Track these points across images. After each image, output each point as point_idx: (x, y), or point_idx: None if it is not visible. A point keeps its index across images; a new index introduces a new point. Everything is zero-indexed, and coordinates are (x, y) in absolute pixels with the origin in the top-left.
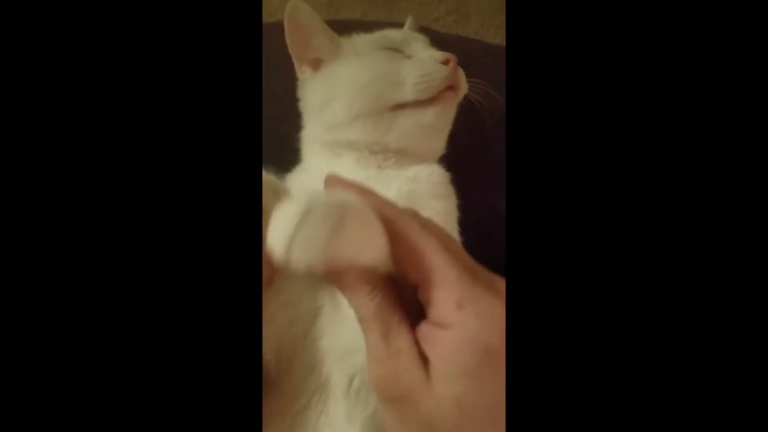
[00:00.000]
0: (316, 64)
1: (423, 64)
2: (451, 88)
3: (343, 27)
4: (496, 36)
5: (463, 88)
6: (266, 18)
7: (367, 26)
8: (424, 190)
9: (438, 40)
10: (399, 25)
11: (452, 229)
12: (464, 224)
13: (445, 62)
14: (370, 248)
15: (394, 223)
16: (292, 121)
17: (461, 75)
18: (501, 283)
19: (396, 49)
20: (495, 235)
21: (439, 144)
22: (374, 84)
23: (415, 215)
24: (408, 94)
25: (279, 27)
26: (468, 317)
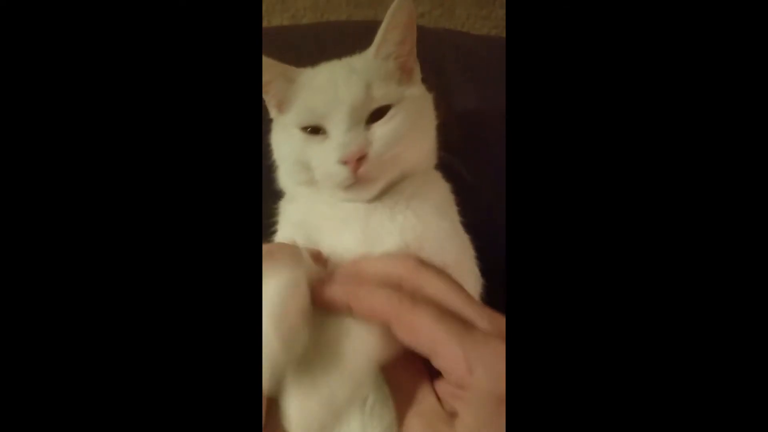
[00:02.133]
0: (280, 107)
1: (325, 162)
2: (358, 182)
3: (328, 30)
4: (483, 27)
5: (378, 176)
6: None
7: (353, 27)
8: (429, 206)
9: (425, 36)
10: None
11: (461, 240)
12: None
13: (345, 161)
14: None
15: (384, 313)
16: None
17: (371, 166)
18: (499, 321)
19: (315, 128)
20: (496, 238)
21: (413, 160)
22: (292, 168)
23: (409, 269)
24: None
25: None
26: (480, 378)
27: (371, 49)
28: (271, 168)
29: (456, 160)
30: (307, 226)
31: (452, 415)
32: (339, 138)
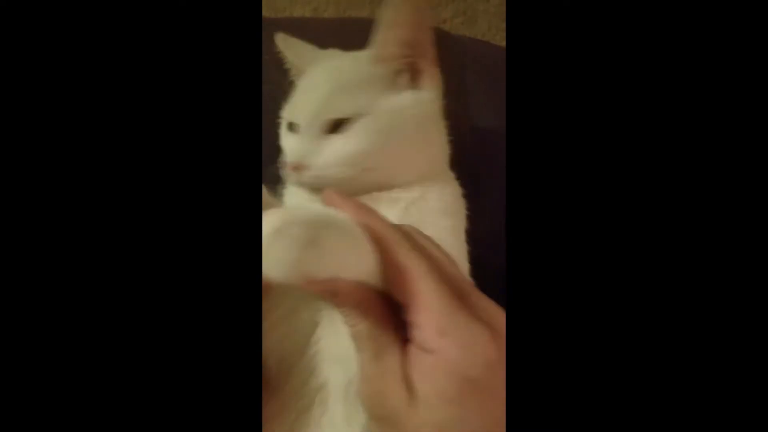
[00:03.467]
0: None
1: (283, 158)
2: (301, 185)
3: (350, 25)
4: (503, 39)
5: (315, 185)
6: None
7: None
8: (432, 207)
9: (449, 43)
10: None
11: (459, 244)
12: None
13: (293, 169)
14: (353, 264)
15: (383, 241)
16: None
17: (311, 177)
18: (496, 314)
19: (293, 125)
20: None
21: (397, 172)
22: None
23: (410, 233)
24: None
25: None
26: (449, 345)
27: (367, 53)
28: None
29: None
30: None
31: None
32: (291, 142)
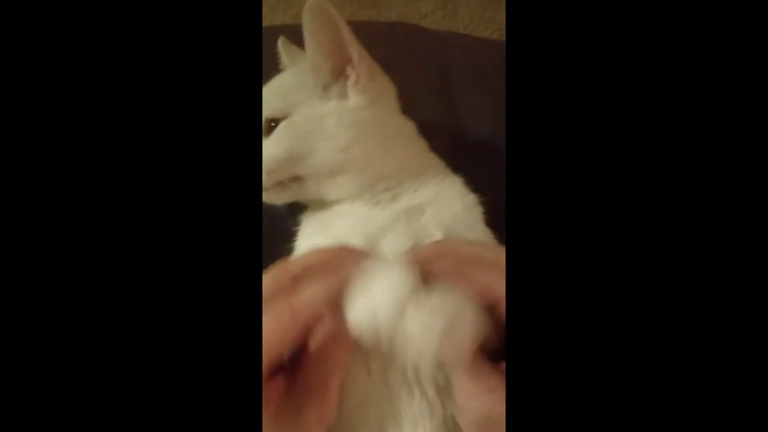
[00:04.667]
0: None
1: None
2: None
3: None
4: (485, 29)
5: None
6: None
7: (354, 28)
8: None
9: (429, 40)
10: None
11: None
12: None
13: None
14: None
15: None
16: None
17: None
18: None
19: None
20: None
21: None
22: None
23: (453, 250)
24: None
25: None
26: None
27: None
28: None
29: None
30: (323, 233)
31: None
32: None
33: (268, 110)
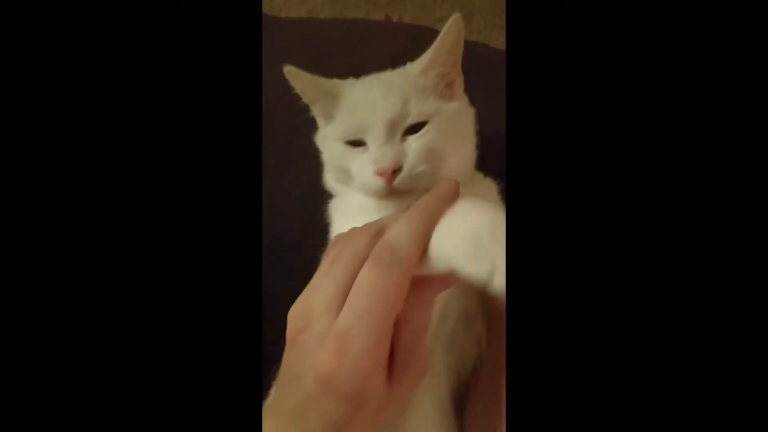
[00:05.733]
0: (326, 118)
1: (362, 172)
2: (393, 192)
3: (346, 26)
4: (499, 36)
5: (411, 187)
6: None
7: (369, 26)
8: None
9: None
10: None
11: None
12: None
13: (380, 174)
14: None
15: None
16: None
17: (404, 178)
18: None
19: (356, 141)
20: None
21: (449, 172)
22: (336, 174)
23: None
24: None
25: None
26: None
27: (416, 65)
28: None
29: None
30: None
31: None
32: (375, 152)
33: (413, 117)
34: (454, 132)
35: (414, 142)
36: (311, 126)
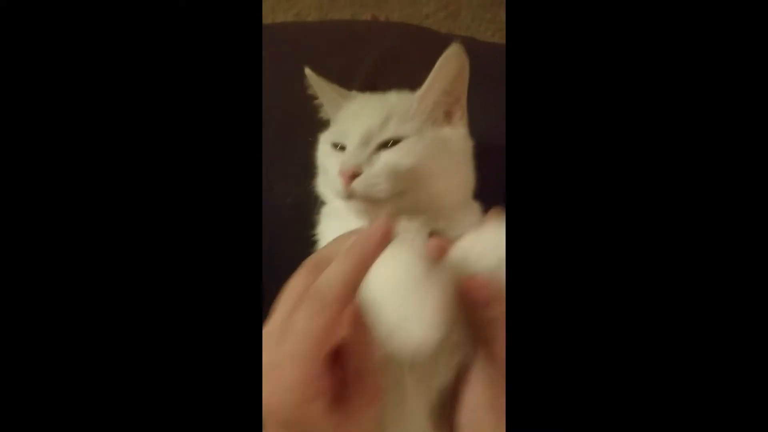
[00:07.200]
0: (330, 120)
1: (332, 172)
2: (350, 196)
3: (333, 28)
4: (487, 30)
5: (373, 196)
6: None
7: (357, 26)
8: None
9: (433, 41)
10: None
11: None
12: None
13: (340, 174)
14: None
15: None
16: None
17: (361, 184)
18: None
19: (339, 144)
20: None
21: (429, 196)
22: (321, 174)
23: None
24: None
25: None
26: None
27: (418, 93)
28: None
29: None
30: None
31: None
32: (345, 154)
33: (388, 133)
34: (431, 157)
35: (383, 155)
36: (309, 128)
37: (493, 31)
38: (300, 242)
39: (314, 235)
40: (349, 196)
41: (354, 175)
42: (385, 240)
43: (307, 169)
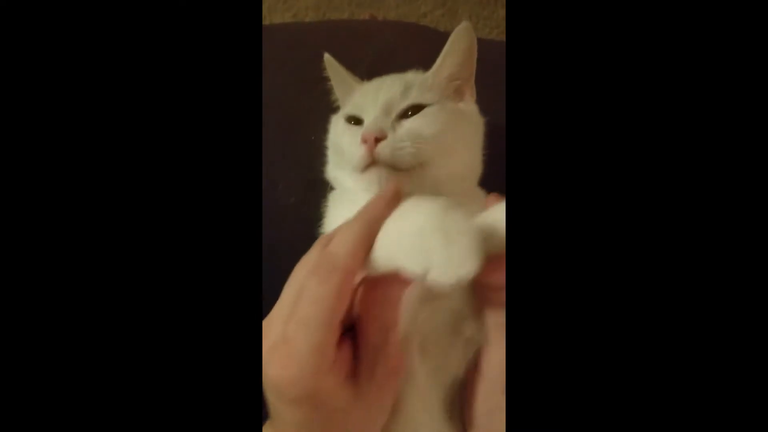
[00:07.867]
0: (342, 103)
1: (351, 144)
2: (373, 163)
3: (332, 28)
4: (484, 27)
5: (394, 163)
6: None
7: (355, 26)
8: None
9: (437, 39)
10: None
11: None
12: None
13: (363, 140)
14: None
15: None
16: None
17: (386, 148)
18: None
19: (355, 118)
20: None
21: (443, 167)
22: (332, 153)
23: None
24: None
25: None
26: None
27: (433, 68)
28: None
29: None
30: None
31: None
32: (367, 122)
33: (411, 99)
34: (452, 127)
35: (407, 122)
36: (309, 128)
37: (491, 28)
38: (301, 242)
39: (320, 225)
40: (373, 162)
41: (378, 140)
42: (393, 201)
43: (308, 169)
